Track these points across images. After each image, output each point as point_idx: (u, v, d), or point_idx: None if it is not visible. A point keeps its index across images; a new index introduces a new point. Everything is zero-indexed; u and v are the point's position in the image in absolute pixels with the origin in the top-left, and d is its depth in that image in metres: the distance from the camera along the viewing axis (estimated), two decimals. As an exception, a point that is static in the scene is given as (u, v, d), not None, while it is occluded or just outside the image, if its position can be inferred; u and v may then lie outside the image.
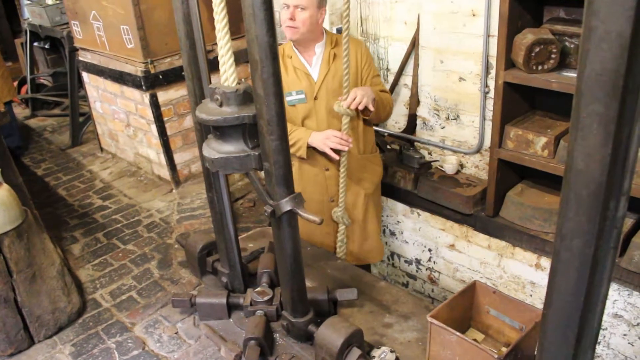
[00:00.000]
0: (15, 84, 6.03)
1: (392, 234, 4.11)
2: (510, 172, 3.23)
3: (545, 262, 3.15)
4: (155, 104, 3.88)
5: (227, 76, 1.91)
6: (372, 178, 3.26)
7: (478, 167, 3.57)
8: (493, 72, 3.14)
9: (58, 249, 2.99)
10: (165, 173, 4.17)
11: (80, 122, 5.22)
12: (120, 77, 4.05)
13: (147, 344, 2.51)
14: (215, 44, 1.91)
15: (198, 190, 4.06)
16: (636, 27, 0.86)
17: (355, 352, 2.04)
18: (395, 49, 3.81)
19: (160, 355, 2.42)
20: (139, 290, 2.93)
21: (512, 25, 2.80)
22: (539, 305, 2.11)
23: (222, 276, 2.64)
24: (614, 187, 1.00)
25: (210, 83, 2.22)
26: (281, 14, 2.80)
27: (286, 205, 1.93)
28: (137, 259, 3.24)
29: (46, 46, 6.33)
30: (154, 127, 3.97)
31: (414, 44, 3.63)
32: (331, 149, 2.86)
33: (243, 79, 1.97)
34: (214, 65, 2.21)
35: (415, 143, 3.89)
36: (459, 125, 3.55)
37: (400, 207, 3.94)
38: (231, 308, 2.52)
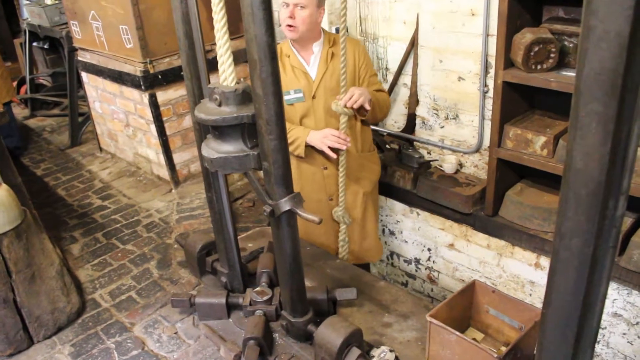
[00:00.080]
0: (15, 84, 6.03)
1: (392, 233, 4.11)
2: (509, 172, 3.23)
3: (545, 262, 3.15)
4: (154, 104, 3.88)
5: (226, 76, 1.91)
6: (370, 177, 3.27)
7: (477, 167, 3.57)
8: (492, 71, 3.13)
9: (57, 249, 2.99)
10: (164, 173, 4.17)
11: (80, 122, 5.22)
12: (119, 77, 4.05)
13: (146, 344, 2.51)
14: (214, 43, 1.91)
15: (197, 190, 4.06)
16: (635, 26, 0.86)
17: (355, 352, 2.04)
18: (394, 49, 3.80)
19: (160, 355, 2.42)
20: (138, 290, 2.93)
21: (511, 24, 2.80)
22: (539, 304, 2.11)
23: (222, 276, 2.64)
24: (613, 186, 1.00)
25: (209, 83, 2.21)
26: (280, 13, 2.80)
27: (285, 204, 1.93)
28: (137, 259, 3.24)
29: (45, 46, 6.33)
30: (153, 127, 3.97)
31: (413, 44, 3.63)
32: (329, 147, 2.86)
33: (242, 79, 1.96)
34: (212, 65, 2.21)
35: (415, 142, 3.89)
36: (458, 124, 3.55)
37: (399, 206, 3.94)
38: (230, 308, 2.52)
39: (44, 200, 4.09)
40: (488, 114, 3.27)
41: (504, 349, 2.12)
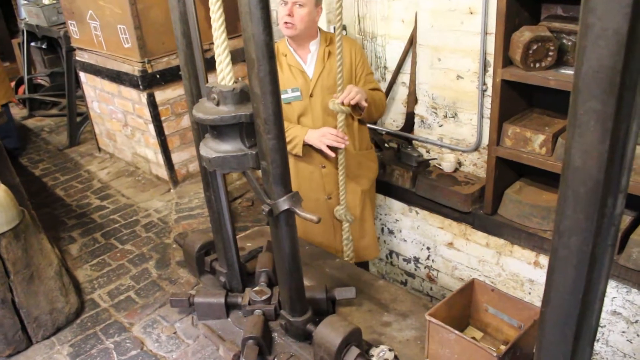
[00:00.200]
0: (13, 84, 6.02)
1: (391, 232, 4.11)
2: (508, 170, 3.23)
3: (544, 260, 3.15)
4: (152, 104, 3.87)
5: (224, 75, 1.91)
6: (368, 175, 3.27)
7: (476, 165, 3.57)
8: (491, 69, 3.14)
9: (56, 249, 2.99)
10: (163, 173, 4.16)
11: (78, 122, 5.21)
12: (117, 77, 4.04)
13: (145, 344, 2.50)
14: (212, 42, 1.91)
15: (196, 189, 4.05)
16: (633, 24, 0.86)
17: (354, 351, 2.04)
18: (392, 47, 3.80)
19: (159, 355, 2.41)
20: (137, 290, 2.93)
21: (510, 22, 2.80)
22: (538, 303, 2.11)
23: (220, 276, 2.64)
24: (611, 185, 1.00)
25: (207, 82, 2.21)
26: (278, 11, 2.80)
27: (284, 204, 1.92)
28: (135, 259, 3.23)
29: (43, 46, 6.32)
30: (151, 127, 3.97)
31: (412, 42, 3.63)
32: (328, 146, 2.86)
33: (240, 78, 1.96)
34: (210, 64, 2.20)
35: (413, 141, 3.88)
36: (456, 123, 3.55)
37: (398, 205, 3.94)
38: (229, 307, 2.51)
39: (42, 201, 4.08)
40: (487, 112, 3.27)
41: (503, 347, 2.12)
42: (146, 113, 3.93)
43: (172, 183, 4.13)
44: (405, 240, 4.04)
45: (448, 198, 3.50)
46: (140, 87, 3.81)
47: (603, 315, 3.00)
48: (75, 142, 5.17)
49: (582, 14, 0.91)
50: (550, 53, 2.75)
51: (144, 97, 3.85)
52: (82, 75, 4.60)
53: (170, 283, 2.95)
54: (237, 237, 2.70)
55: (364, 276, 2.78)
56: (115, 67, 4.02)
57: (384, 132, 4.09)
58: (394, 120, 4.04)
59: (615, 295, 2.92)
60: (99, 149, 4.93)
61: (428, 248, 3.89)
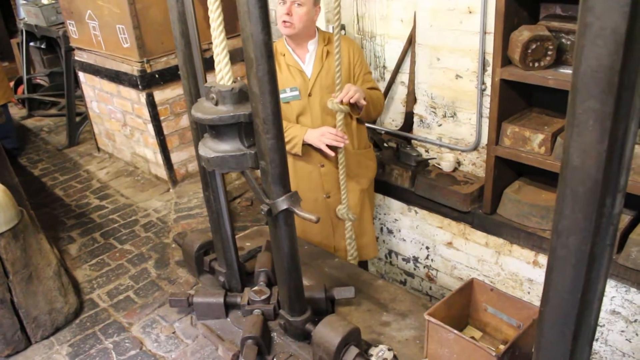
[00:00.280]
0: (12, 84, 6.02)
1: (390, 231, 4.11)
2: (507, 170, 3.23)
3: (543, 259, 3.15)
4: (151, 104, 3.87)
5: (223, 75, 1.91)
6: (367, 173, 3.27)
7: (475, 165, 3.57)
8: (489, 69, 3.13)
9: (55, 249, 2.99)
10: (162, 172, 4.16)
11: (77, 122, 5.21)
12: (116, 77, 4.04)
13: (144, 344, 2.50)
14: (211, 42, 1.91)
15: (195, 189, 4.05)
16: (631, 23, 0.86)
17: (353, 351, 2.04)
18: (391, 47, 3.80)
19: (158, 355, 2.41)
20: (136, 290, 2.93)
21: (509, 22, 2.79)
22: (537, 302, 2.11)
23: (220, 275, 2.64)
24: (610, 184, 1.00)
25: (206, 82, 2.21)
26: (277, 10, 2.80)
27: (282, 203, 1.92)
28: (134, 258, 3.23)
29: (42, 46, 6.32)
30: (150, 127, 3.97)
31: (411, 42, 3.63)
32: (327, 145, 2.86)
33: (239, 78, 1.96)
34: (209, 64, 2.20)
35: (412, 141, 3.88)
36: (455, 122, 3.55)
37: (397, 205, 3.93)
38: (228, 307, 2.51)
39: (41, 201, 4.08)
40: (486, 111, 3.26)
41: (502, 347, 2.12)
42: (145, 113, 3.93)
43: (171, 183, 4.13)
44: (404, 240, 4.04)
45: (447, 197, 3.50)
46: (139, 86, 3.81)
47: (602, 314, 3.00)
48: (75, 142, 5.16)
49: (580, 13, 0.91)
50: (549, 52, 2.75)
51: (143, 96, 3.84)
52: (81, 75, 4.60)
53: (170, 283, 2.95)
54: (236, 236, 2.70)
55: (363, 276, 2.78)
56: (114, 67, 4.02)
57: (383, 132, 4.08)
58: (393, 119, 4.04)
59: (614, 294, 2.92)
60: (98, 149, 4.93)
61: (427, 247, 3.89)
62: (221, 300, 2.48)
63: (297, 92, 2.94)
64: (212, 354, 2.36)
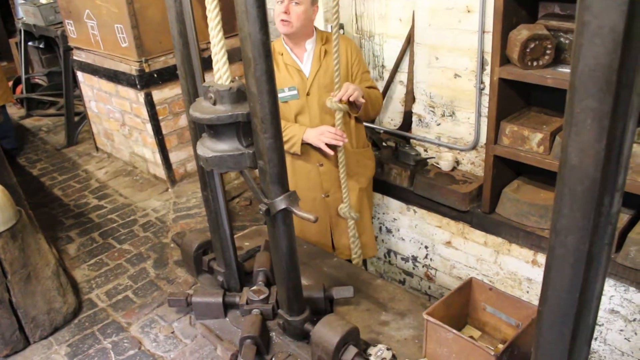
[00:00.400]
0: (10, 83, 6.01)
1: (389, 231, 4.11)
2: (506, 169, 3.23)
3: (542, 259, 3.15)
4: (150, 103, 3.87)
5: (221, 74, 1.91)
6: (366, 172, 3.28)
7: (474, 164, 3.57)
8: (488, 68, 3.13)
9: (53, 249, 2.98)
10: (160, 172, 4.16)
11: (76, 122, 5.20)
12: (114, 76, 4.04)
13: (143, 343, 2.50)
14: (209, 42, 1.90)
15: (194, 189, 4.05)
16: (629, 21, 0.85)
17: (352, 350, 2.04)
18: (390, 46, 3.80)
19: (157, 355, 2.41)
20: (135, 289, 2.92)
21: (507, 21, 2.79)
22: (536, 301, 2.11)
23: (218, 275, 2.64)
24: (608, 183, 1.00)
25: (204, 81, 2.21)
26: (275, 8, 2.80)
27: (281, 203, 1.92)
28: (133, 258, 3.23)
29: (41, 45, 6.31)
30: (149, 126, 3.96)
31: (409, 41, 3.63)
32: (326, 144, 2.86)
33: (237, 77, 1.96)
34: (207, 64, 2.20)
35: (411, 140, 3.88)
36: (454, 122, 3.55)
37: (396, 204, 3.93)
38: (227, 307, 2.51)
39: (40, 200, 4.08)
40: (484, 111, 3.26)
41: (501, 346, 2.12)
42: (144, 112, 3.92)
43: (170, 182, 4.13)
44: (403, 239, 4.04)
45: (446, 197, 3.50)
46: (138, 86, 3.80)
47: (601, 313, 3.00)
48: (73, 142, 5.16)
49: (578, 11, 0.91)
50: (548, 51, 2.75)
51: (141, 96, 3.84)
52: (80, 75, 4.59)
53: (168, 283, 2.95)
54: (235, 236, 2.70)
55: (362, 275, 2.78)
56: (113, 66, 4.01)
57: (381, 131, 4.08)
58: (391, 119, 4.03)
59: (613, 293, 2.92)
60: (97, 149, 4.93)
61: (426, 247, 3.89)
62: (220, 300, 2.47)
63: (295, 92, 2.94)
64: (211, 354, 2.36)
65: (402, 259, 4.13)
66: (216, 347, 2.37)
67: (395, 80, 3.85)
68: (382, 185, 3.86)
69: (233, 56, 3.69)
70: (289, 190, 1.95)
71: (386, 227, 4.11)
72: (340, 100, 2.79)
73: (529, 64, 2.76)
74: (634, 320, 2.90)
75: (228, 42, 2.05)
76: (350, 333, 2.05)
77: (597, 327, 3.04)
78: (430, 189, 3.58)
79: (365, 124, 3.38)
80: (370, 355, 2.14)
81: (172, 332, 2.53)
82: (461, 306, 2.30)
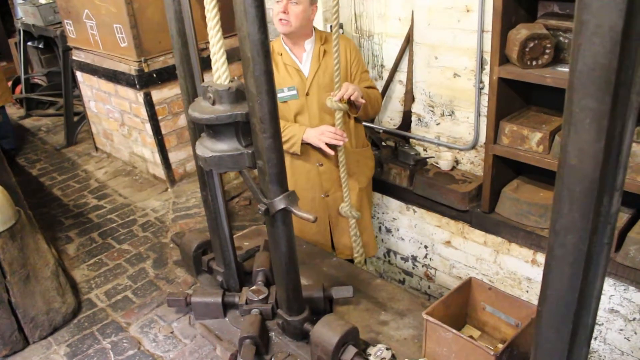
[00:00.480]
0: (10, 83, 6.01)
1: (388, 231, 4.11)
2: (505, 168, 3.23)
3: (541, 258, 3.15)
4: (149, 103, 3.86)
5: (220, 74, 1.90)
6: (365, 172, 3.28)
7: (473, 163, 3.57)
8: (487, 67, 3.13)
9: (52, 249, 2.98)
10: (160, 172, 4.15)
11: (75, 122, 5.20)
12: (114, 76, 4.03)
13: (142, 343, 2.50)
14: (208, 42, 1.90)
15: (193, 189, 4.05)
16: (628, 20, 0.85)
17: (351, 350, 2.04)
18: (389, 46, 3.80)
19: (156, 355, 2.41)
20: (134, 289, 2.92)
21: (506, 20, 2.79)
22: (535, 301, 2.11)
23: (218, 275, 2.64)
24: (607, 183, 1.00)
25: (203, 81, 2.20)
26: (274, 8, 2.80)
27: (280, 203, 1.92)
28: (132, 258, 3.23)
29: (40, 45, 6.30)
30: (148, 126, 3.96)
31: (409, 40, 3.62)
32: (326, 144, 2.86)
33: (236, 77, 1.96)
34: (206, 63, 2.19)
35: (411, 140, 3.88)
36: (453, 121, 3.55)
37: (395, 204, 3.93)
38: (226, 307, 2.51)
39: (39, 201, 4.07)
40: (484, 110, 3.26)
41: (500, 346, 2.12)
42: (143, 112, 3.92)
43: (169, 182, 4.13)
44: (402, 239, 4.04)
45: (445, 196, 3.49)
46: (137, 86, 3.80)
47: (601, 313, 3.00)
48: (73, 142, 5.15)
49: (577, 10, 0.90)
50: (547, 51, 2.74)
51: (140, 96, 3.84)
52: (79, 75, 4.59)
53: (168, 283, 2.95)
54: (235, 236, 2.70)
55: (362, 275, 2.78)
56: (112, 66, 4.01)
57: (381, 131, 4.08)
58: (391, 118, 4.03)
59: (612, 293, 2.92)
60: (96, 149, 4.92)
61: (426, 246, 3.88)
62: (219, 300, 2.47)
63: (294, 92, 2.94)
64: (210, 354, 2.36)
65: (402, 258, 4.13)
66: (215, 347, 2.37)
67: (395, 79, 3.85)
68: (381, 185, 3.86)
69: (232, 56, 3.70)
70: (288, 190, 1.95)
71: (386, 227, 4.11)
72: (341, 100, 2.79)
73: (528, 63, 2.76)
74: (634, 319, 2.90)
75: (227, 42, 2.05)
76: (349, 333, 2.05)
77: (596, 327, 3.04)
78: (430, 189, 3.58)
79: (364, 123, 3.37)
80: (369, 355, 2.14)
81: (172, 332, 2.52)
82: (461, 306, 2.30)
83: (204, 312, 2.51)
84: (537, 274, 3.20)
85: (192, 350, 2.39)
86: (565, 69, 2.71)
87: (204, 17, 1.90)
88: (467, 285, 2.28)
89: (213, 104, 1.90)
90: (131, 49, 3.72)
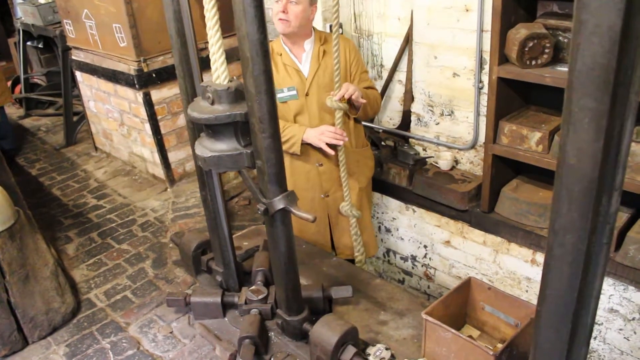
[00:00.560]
0: (9, 83, 6.00)
1: (388, 230, 4.11)
2: (505, 168, 3.23)
3: (541, 258, 3.15)
4: (148, 103, 3.86)
5: (219, 74, 1.90)
6: (365, 172, 3.28)
7: (473, 163, 3.57)
8: (487, 67, 3.13)
9: (52, 249, 2.98)
10: (159, 172, 4.15)
11: (75, 122, 5.20)
12: (113, 76, 4.03)
13: (141, 343, 2.49)
14: (207, 41, 1.90)
15: (192, 188, 4.04)
16: (627, 20, 0.85)
17: (351, 350, 2.04)
18: (389, 45, 3.79)
19: (155, 355, 2.41)
20: (133, 289, 2.92)
21: (506, 20, 2.79)
22: (535, 301, 2.10)
23: (217, 275, 2.63)
24: (606, 183, 1.00)
25: (202, 81, 2.20)
26: (273, 8, 2.80)
27: (279, 203, 1.92)
28: (132, 258, 3.22)
29: (39, 45, 6.30)
30: (147, 126, 3.96)
31: (408, 40, 3.62)
32: (327, 144, 2.86)
33: (235, 77, 1.95)
34: (206, 63, 2.19)
35: (410, 139, 3.88)
36: (453, 121, 3.55)
37: (395, 203, 3.93)
38: (226, 307, 2.51)
39: (38, 200, 4.07)
40: (483, 110, 3.26)
41: (499, 346, 2.12)
42: (142, 112, 3.92)
43: (169, 182, 4.12)
44: (402, 239, 4.04)
45: (445, 196, 3.49)
46: (136, 86, 3.80)
47: (600, 312, 3.00)
48: (72, 142, 5.15)
49: (575, 9, 0.90)
50: (546, 50, 2.74)
51: (140, 96, 3.84)
52: (78, 75, 4.59)
53: (167, 282, 2.95)
54: (234, 236, 2.69)
55: (361, 275, 2.78)
56: (111, 66, 4.01)
57: (380, 130, 4.08)
58: (390, 118, 4.03)
59: (612, 292, 2.92)
60: (96, 149, 4.92)
61: (425, 246, 3.88)
62: (218, 299, 2.47)
63: (294, 92, 2.94)
64: (210, 354, 2.36)
65: (401, 258, 4.13)
66: (215, 347, 2.37)
67: (394, 79, 3.85)
68: (381, 185, 3.86)
69: (231, 56, 3.70)
70: (287, 190, 1.95)
71: (385, 227, 4.11)
72: (341, 99, 2.79)
73: (528, 62, 2.76)
74: (633, 319, 2.90)
75: (226, 42, 2.05)
76: (349, 333, 2.05)
77: (596, 326, 3.04)
78: (429, 188, 3.58)
79: (364, 123, 3.37)
80: (369, 354, 2.14)
81: (171, 332, 2.52)
82: (460, 306, 2.30)
83: (204, 312, 2.51)
84: (537, 273, 3.20)
85: (191, 350, 2.39)
86: (565, 69, 2.71)
87: (203, 17, 1.90)
88: (467, 285, 2.28)
89: (212, 103, 1.90)
90: (130, 49, 3.72)
